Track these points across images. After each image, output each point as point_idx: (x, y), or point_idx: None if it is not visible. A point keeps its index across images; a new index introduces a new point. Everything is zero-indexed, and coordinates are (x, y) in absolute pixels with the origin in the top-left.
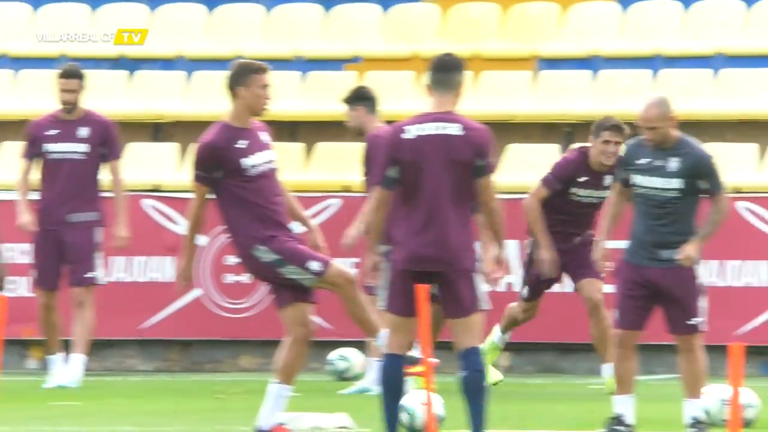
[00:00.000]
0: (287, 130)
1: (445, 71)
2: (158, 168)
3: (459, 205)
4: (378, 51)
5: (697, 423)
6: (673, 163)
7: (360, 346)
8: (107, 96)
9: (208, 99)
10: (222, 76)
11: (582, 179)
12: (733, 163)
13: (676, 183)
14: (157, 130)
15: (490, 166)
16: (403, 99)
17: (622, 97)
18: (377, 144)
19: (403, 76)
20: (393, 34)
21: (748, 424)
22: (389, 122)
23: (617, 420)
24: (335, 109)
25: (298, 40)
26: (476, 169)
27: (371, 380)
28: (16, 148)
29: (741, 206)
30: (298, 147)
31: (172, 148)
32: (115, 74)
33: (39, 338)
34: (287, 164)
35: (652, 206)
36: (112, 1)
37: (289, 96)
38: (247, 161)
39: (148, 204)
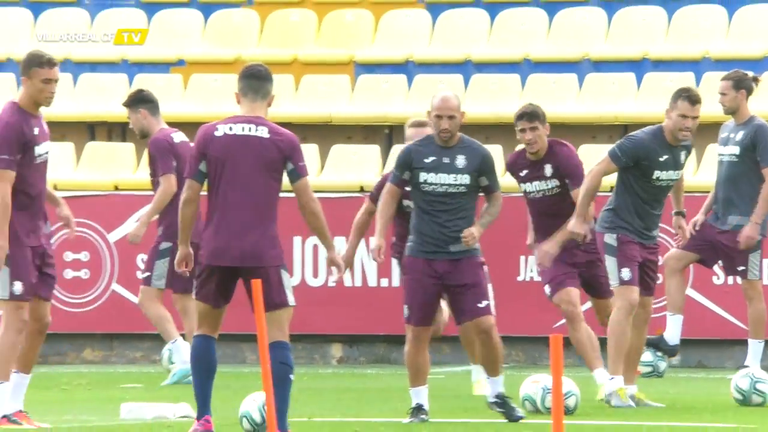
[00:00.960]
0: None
1: (256, 79)
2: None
3: (264, 203)
4: (201, 55)
5: (500, 400)
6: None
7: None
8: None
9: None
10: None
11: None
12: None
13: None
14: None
15: (302, 169)
16: (226, 102)
17: None
18: (160, 146)
19: (226, 79)
20: (216, 39)
21: (568, 410)
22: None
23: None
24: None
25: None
26: (290, 173)
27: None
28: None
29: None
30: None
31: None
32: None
33: None
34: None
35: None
36: (113, 6)
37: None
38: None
39: None
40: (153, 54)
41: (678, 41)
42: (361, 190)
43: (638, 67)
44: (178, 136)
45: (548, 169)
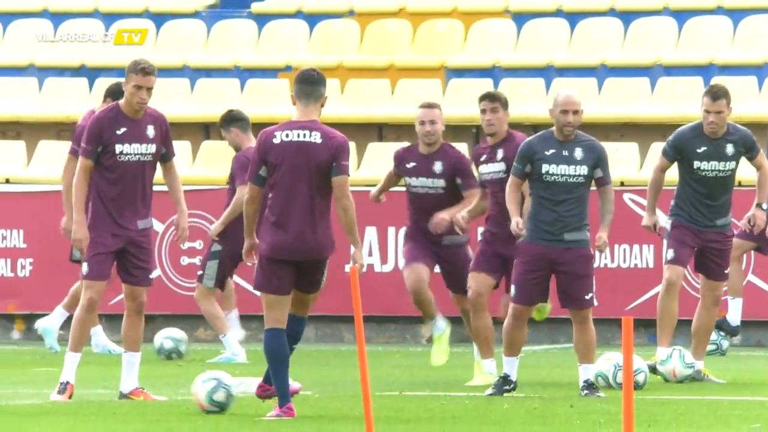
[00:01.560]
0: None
1: (308, 83)
2: None
3: (318, 202)
4: (307, 61)
5: (589, 385)
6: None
7: None
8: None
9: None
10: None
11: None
12: (619, 160)
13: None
14: None
15: (343, 168)
16: (328, 103)
17: (520, 103)
18: (241, 162)
19: (329, 83)
20: (320, 47)
21: (638, 386)
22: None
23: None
24: (269, 112)
25: (237, 51)
26: (332, 170)
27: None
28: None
29: (626, 198)
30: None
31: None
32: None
33: (22, 312)
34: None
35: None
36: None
37: (230, 101)
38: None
39: None
40: (263, 60)
41: (741, 48)
42: None
43: (705, 72)
44: None
45: (500, 154)
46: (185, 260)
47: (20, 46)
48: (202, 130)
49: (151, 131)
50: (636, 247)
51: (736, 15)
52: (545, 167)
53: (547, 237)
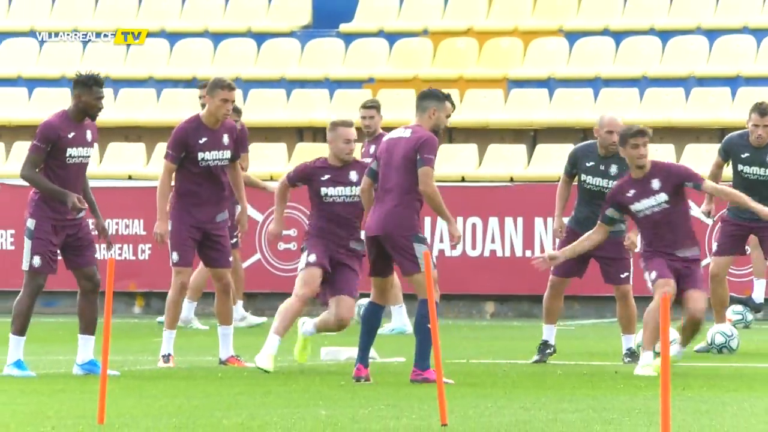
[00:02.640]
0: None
1: (419, 99)
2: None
3: (407, 188)
4: (387, 74)
5: (631, 353)
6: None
7: None
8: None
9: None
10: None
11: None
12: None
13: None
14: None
15: (426, 161)
16: (406, 110)
17: (572, 110)
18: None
19: (406, 93)
20: (398, 62)
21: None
22: (393, 129)
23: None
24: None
25: (327, 66)
26: (417, 162)
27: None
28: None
29: None
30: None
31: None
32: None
33: (142, 290)
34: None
35: None
36: (320, 36)
37: (321, 109)
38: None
39: None
40: (349, 73)
41: (764, 63)
42: (511, 180)
43: (733, 83)
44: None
45: None
46: (281, 246)
47: (144, 62)
48: (296, 134)
49: (226, 139)
50: None
51: (760, 34)
52: (584, 176)
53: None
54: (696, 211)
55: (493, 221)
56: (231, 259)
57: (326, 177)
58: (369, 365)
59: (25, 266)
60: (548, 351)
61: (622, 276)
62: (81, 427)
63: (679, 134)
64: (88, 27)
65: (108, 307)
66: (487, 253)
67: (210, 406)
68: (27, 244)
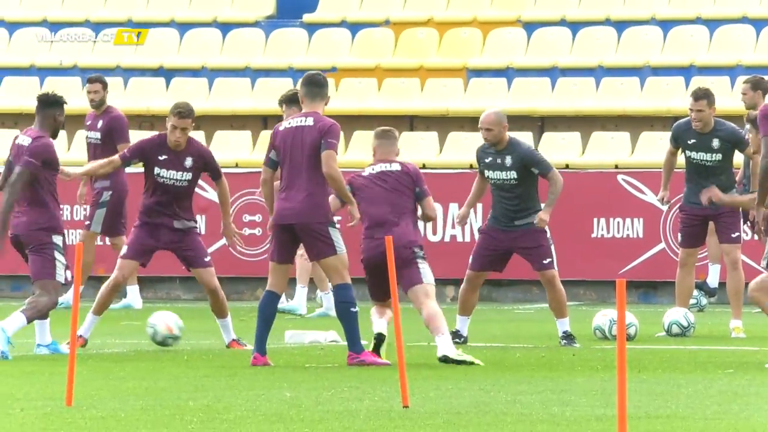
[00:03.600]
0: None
1: (312, 85)
2: None
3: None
4: (349, 63)
5: (566, 335)
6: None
7: None
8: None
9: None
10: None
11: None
12: (613, 147)
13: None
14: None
15: (329, 145)
16: (368, 99)
17: (529, 98)
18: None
19: (368, 82)
20: (361, 51)
21: (629, 338)
22: (354, 117)
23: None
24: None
25: (290, 55)
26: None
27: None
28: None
29: (619, 178)
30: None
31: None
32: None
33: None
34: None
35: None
36: (284, 27)
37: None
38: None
39: None
40: (312, 62)
41: (717, 52)
42: (471, 167)
43: (687, 72)
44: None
45: None
46: (246, 231)
47: (112, 52)
48: (261, 122)
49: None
50: (628, 220)
51: (713, 24)
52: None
53: (498, 225)
54: (652, 197)
55: (454, 207)
56: (207, 259)
57: None
58: (266, 352)
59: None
60: (459, 341)
61: (544, 262)
62: (49, 408)
63: (634, 122)
64: (58, 18)
65: (76, 291)
66: (447, 239)
67: (176, 388)
68: None
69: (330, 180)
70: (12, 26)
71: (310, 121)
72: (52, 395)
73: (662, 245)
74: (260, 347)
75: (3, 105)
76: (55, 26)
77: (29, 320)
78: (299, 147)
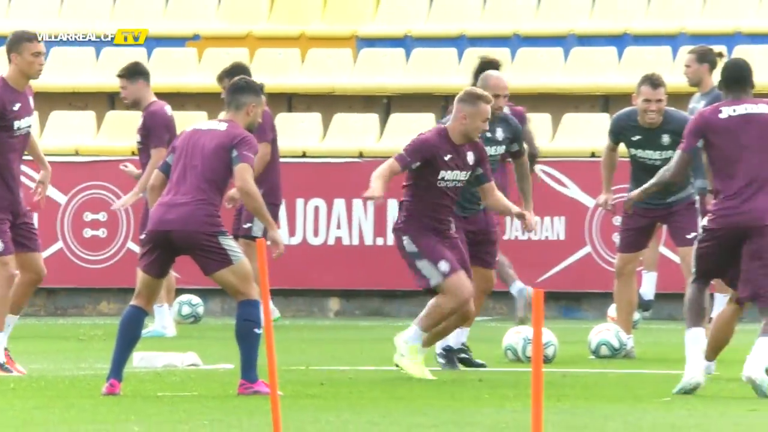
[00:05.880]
0: None
1: (234, 92)
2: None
3: (213, 184)
4: (216, 30)
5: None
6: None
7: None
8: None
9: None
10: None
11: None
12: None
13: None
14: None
15: (243, 158)
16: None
17: (431, 72)
18: (158, 119)
19: (238, 53)
20: (229, 16)
21: (547, 359)
22: (217, 94)
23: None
24: (176, 82)
25: (145, 20)
26: (233, 159)
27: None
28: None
29: (538, 169)
30: None
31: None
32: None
33: None
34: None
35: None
36: None
37: None
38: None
39: None
40: (171, 29)
41: (656, 18)
42: (360, 155)
43: (619, 42)
44: (170, 109)
45: None
46: (87, 232)
47: (80, 16)
48: (107, 101)
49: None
50: (547, 219)
51: None
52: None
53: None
54: (576, 191)
55: (339, 203)
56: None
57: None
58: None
59: None
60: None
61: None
62: None
63: (557, 101)
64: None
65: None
66: (332, 241)
67: (1, 422)
68: None
69: (246, 197)
70: None
71: (222, 126)
72: None
73: (588, 249)
74: (118, 372)
75: None
76: None
77: None
78: (199, 148)
